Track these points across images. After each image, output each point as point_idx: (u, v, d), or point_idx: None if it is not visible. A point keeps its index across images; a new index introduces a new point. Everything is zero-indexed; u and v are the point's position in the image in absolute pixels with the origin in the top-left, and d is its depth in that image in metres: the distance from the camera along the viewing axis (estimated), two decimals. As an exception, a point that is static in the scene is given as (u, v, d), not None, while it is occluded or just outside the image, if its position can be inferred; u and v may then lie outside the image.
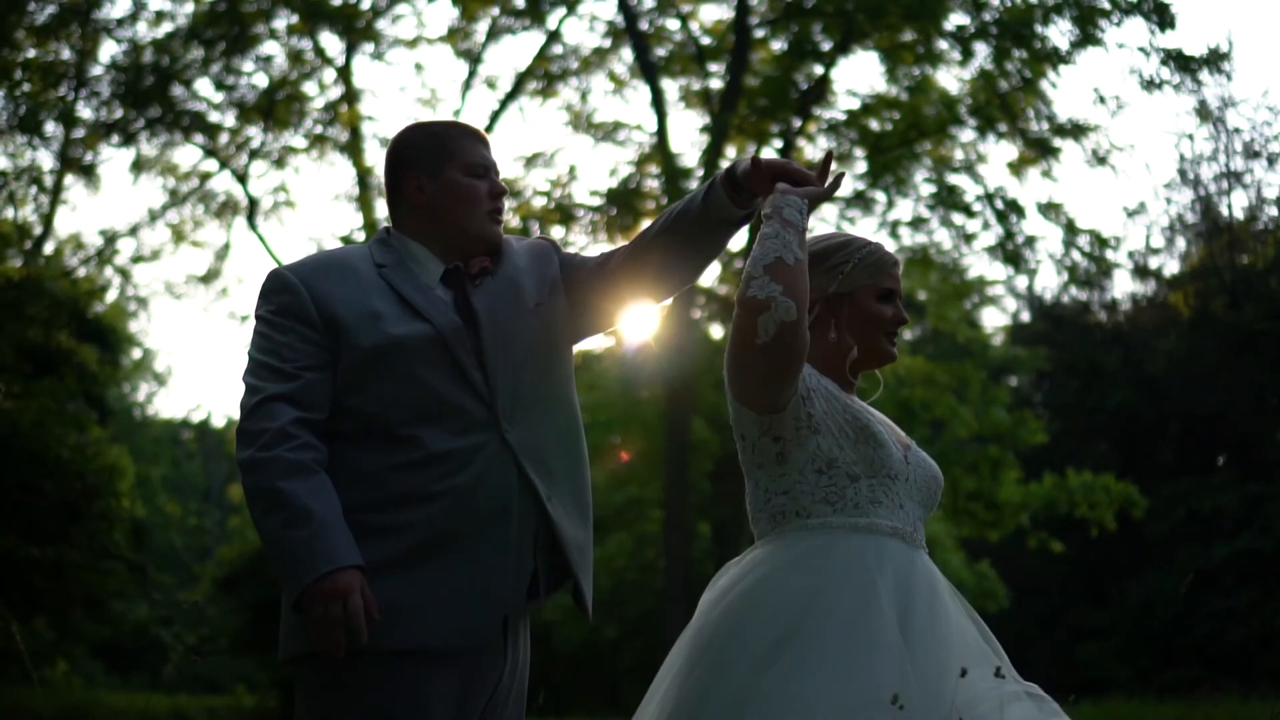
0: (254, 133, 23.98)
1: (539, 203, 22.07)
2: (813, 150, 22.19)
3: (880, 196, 22.43)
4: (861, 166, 21.89)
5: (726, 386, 3.46)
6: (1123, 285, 38.51)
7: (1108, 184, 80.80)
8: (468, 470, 3.51)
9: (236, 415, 3.55)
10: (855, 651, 3.11)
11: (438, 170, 3.74)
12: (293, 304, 3.58)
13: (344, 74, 23.63)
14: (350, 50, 23.67)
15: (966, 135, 21.68)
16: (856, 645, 3.12)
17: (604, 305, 3.88)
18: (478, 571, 3.49)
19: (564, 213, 21.70)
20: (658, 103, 21.68)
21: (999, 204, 21.93)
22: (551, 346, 3.78)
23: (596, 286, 3.85)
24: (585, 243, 22.00)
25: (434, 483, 3.48)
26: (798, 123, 21.30)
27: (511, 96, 23.46)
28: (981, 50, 20.42)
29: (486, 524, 3.51)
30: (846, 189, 22.22)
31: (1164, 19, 19.80)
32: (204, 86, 23.73)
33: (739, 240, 22.31)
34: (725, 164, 3.79)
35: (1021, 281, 34.16)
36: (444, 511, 3.47)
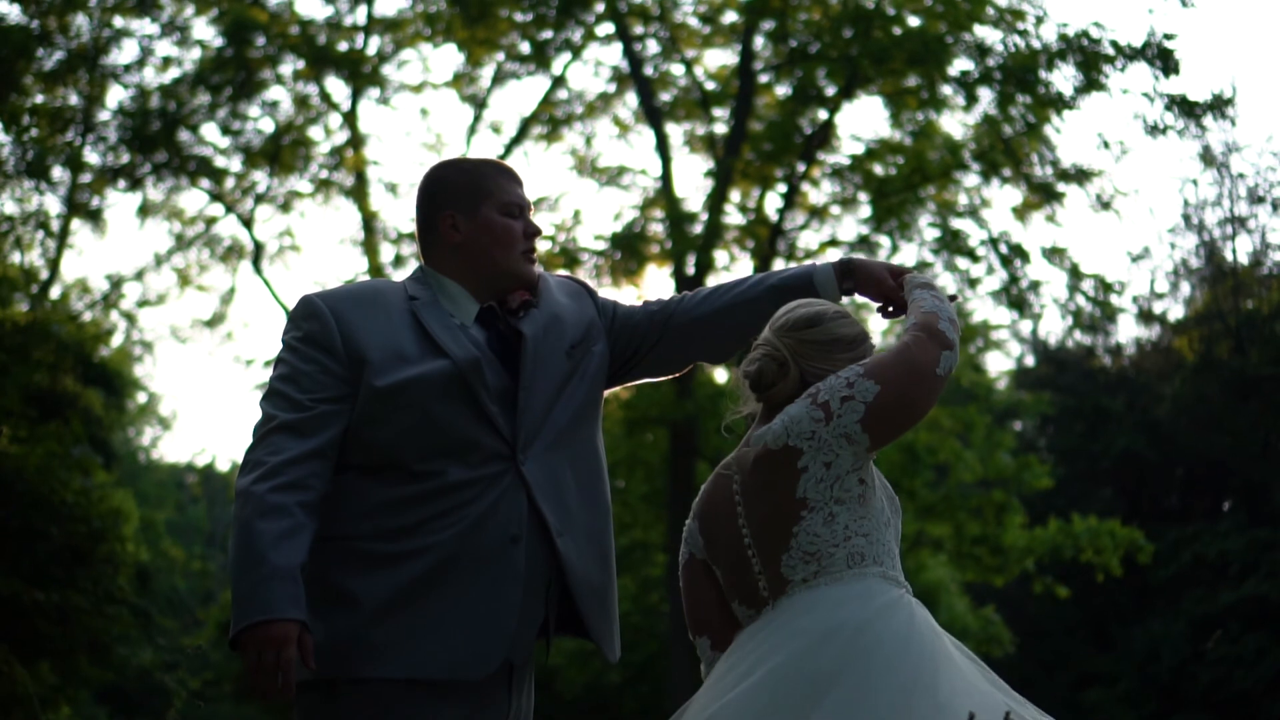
0: (260, 177, 24.04)
1: (544, 246, 22.10)
2: (817, 195, 22.23)
3: (884, 241, 22.45)
4: (866, 211, 21.94)
5: (851, 412, 3.43)
6: (1127, 330, 38.58)
7: (1112, 229, 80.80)
8: (480, 500, 3.53)
9: (241, 458, 3.56)
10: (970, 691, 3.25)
11: (474, 209, 3.76)
12: (319, 333, 3.58)
13: (350, 119, 23.70)
14: (356, 95, 23.76)
15: (971, 180, 21.71)
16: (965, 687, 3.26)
17: (668, 356, 3.92)
18: (483, 603, 3.50)
19: (568, 256, 21.72)
20: (662, 147, 21.73)
21: (1003, 249, 21.94)
22: (578, 388, 3.80)
23: (657, 338, 3.90)
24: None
25: (445, 512, 3.50)
26: (802, 167, 21.34)
27: (516, 141, 23.54)
28: (985, 95, 20.47)
29: (495, 554, 3.52)
30: (850, 233, 22.28)
31: (1168, 65, 19.85)
32: (210, 132, 23.83)
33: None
34: (835, 257, 3.89)
35: (1026, 326, 34.12)
36: (453, 539, 3.49)
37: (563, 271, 21.36)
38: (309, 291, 3.72)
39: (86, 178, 23.54)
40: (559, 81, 23.05)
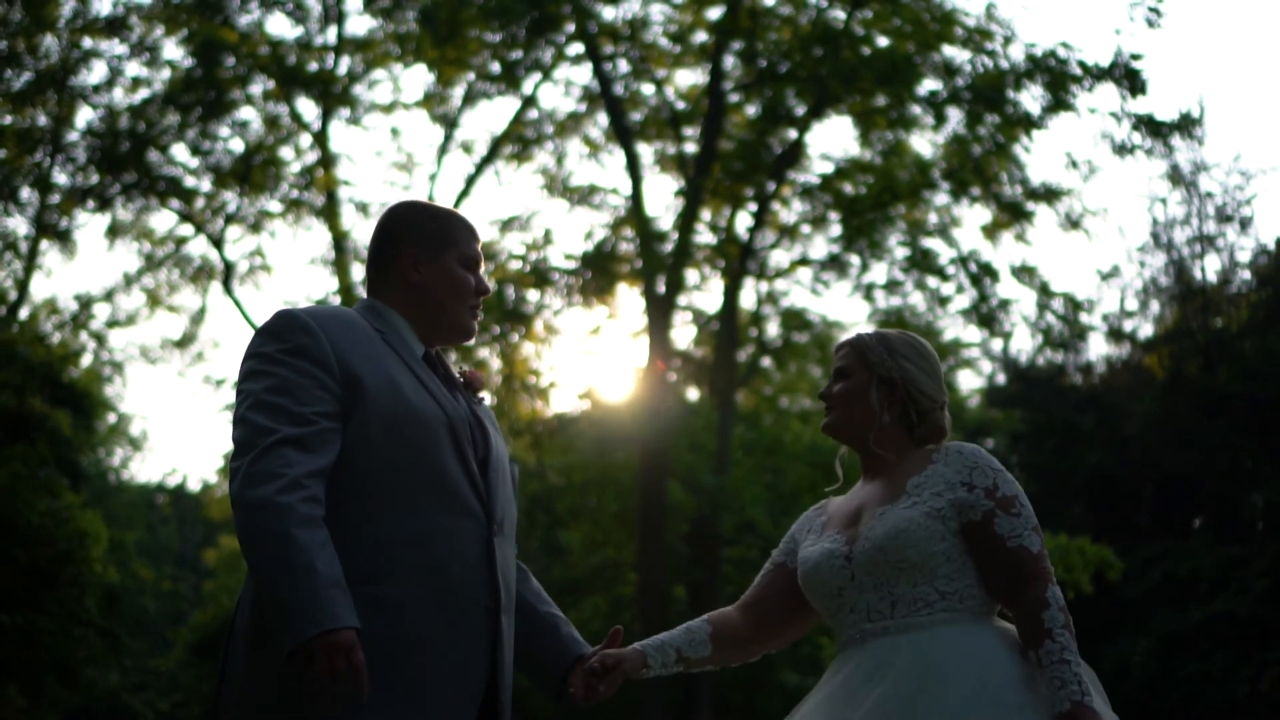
0: (230, 198, 24.02)
1: (515, 266, 22.11)
2: (787, 214, 22.28)
3: (855, 260, 22.53)
4: (836, 230, 22.01)
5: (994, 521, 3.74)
6: (1097, 348, 38.58)
7: (1081, 248, 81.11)
8: (463, 558, 3.53)
9: (223, 465, 3.52)
10: None
11: (438, 255, 3.79)
12: (311, 347, 3.52)
13: (320, 139, 23.68)
14: (326, 115, 23.74)
15: (940, 199, 21.81)
16: None
17: None
18: (455, 671, 3.50)
19: (539, 276, 21.74)
20: (633, 167, 21.74)
21: (973, 267, 22.03)
22: (515, 495, 3.89)
23: None
24: (560, 306, 22.03)
25: (432, 561, 3.48)
26: (772, 186, 21.38)
27: (487, 160, 23.55)
28: (954, 115, 20.56)
29: (470, 622, 3.53)
30: (820, 252, 22.35)
31: (1135, 85, 19.95)
32: (180, 152, 23.76)
33: (714, 301, 22.37)
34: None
35: (996, 344, 34.23)
36: (436, 596, 3.46)
37: (527, 291, 21.37)
38: (284, 308, 3.68)
39: (55, 198, 23.50)
40: (529, 101, 23.08)
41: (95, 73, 24.94)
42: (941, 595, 3.70)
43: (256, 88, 23.19)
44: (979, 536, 3.74)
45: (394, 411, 3.51)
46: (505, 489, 3.75)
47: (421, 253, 3.77)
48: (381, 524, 3.47)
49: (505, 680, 3.67)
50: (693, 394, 25.14)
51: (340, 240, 23.85)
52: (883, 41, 20.34)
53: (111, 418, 41.45)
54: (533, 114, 23.22)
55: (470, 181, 23.55)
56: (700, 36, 21.60)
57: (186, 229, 24.68)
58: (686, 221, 21.17)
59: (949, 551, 3.73)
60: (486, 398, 3.91)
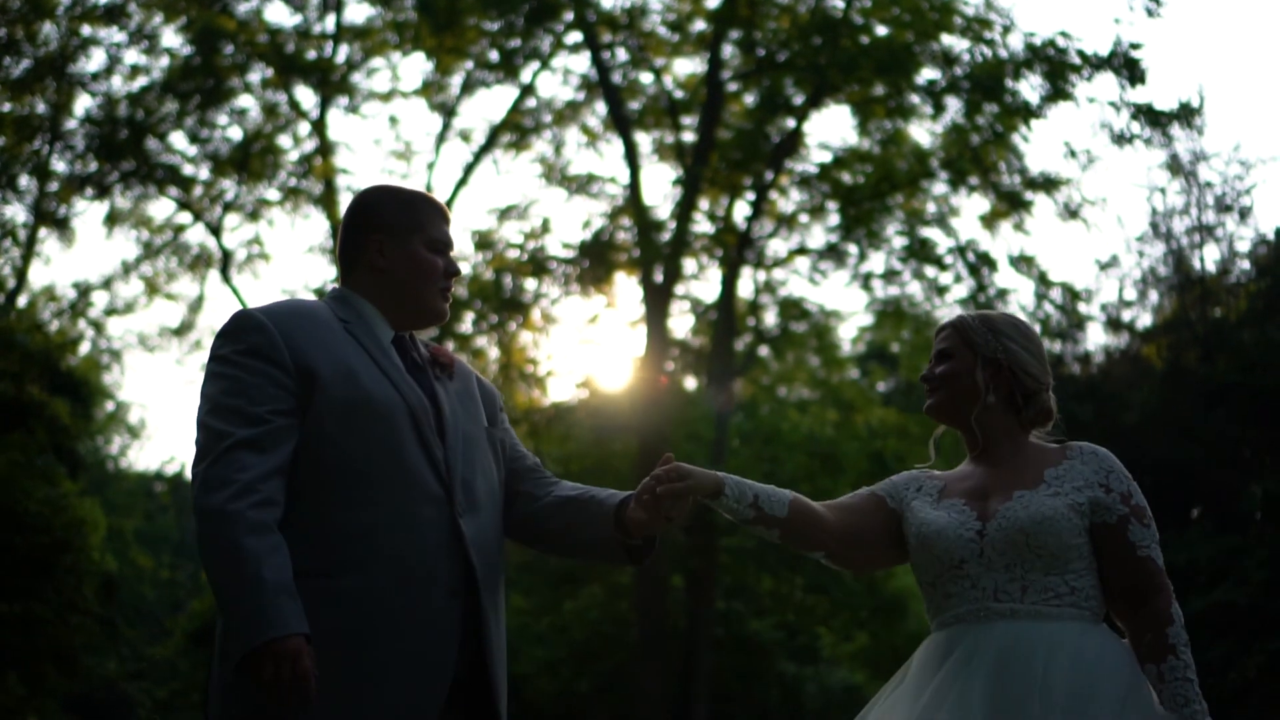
0: (228, 186, 23.97)
1: (512, 254, 22.10)
2: (785, 203, 22.25)
3: (853, 249, 22.52)
4: (834, 219, 21.99)
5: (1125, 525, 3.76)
6: (1095, 338, 38.63)
7: (1080, 237, 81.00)
8: (423, 544, 3.52)
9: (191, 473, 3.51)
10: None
11: (404, 239, 3.79)
12: (264, 345, 3.53)
13: (318, 127, 23.63)
14: (325, 104, 23.69)
15: (938, 188, 21.81)
16: None
17: (507, 517, 3.95)
18: (420, 655, 3.49)
19: (537, 265, 21.72)
20: (631, 156, 21.72)
21: (971, 257, 22.02)
22: (495, 465, 3.85)
23: (513, 488, 3.96)
24: (558, 294, 22.01)
25: (390, 550, 3.48)
26: (770, 175, 21.37)
27: (485, 149, 23.50)
28: (953, 104, 20.55)
29: (434, 606, 3.52)
30: (818, 241, 22.34)
31: (1134, 74, 19.93)
32: (178, 140, 23.72)
33: (712, 290, 22.34)
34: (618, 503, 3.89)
35: (995, 334, 34.14)
36: (396, 584, 3.46)
37: (525, 280, 21.35)
38: (240, 309, 3.70)
39: (54, 186, 23.47)
40: (528, 90, 23.04)
41: (94, 60, 24.91)
42: (1070, 590, 3.70)
43: (255, 76, 23.16)
44: (1110, 540, 3.76)
45: (350, 402, 3.52)
46: (476, 463, 3.73)
47: (387, 238, 3.78)
48: (340, 516, 3.48)
49: (494, 657, 3.65)
50: (690, 383, 25.12)
51: (338, 228, 23.78)
52: (882, 30, 20.33)
53: (110, 406, 41.49)
54: (531, 103, 23.21)
55: (468, 170, 23.52)
56: (699, 25, 21.59)
57: (185, 217, 24.68)
58: (684, 210, 21.16)
59: (1081, 548, 3.74)
60: (450, 374, 3.85)
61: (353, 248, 3.84)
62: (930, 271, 22.67)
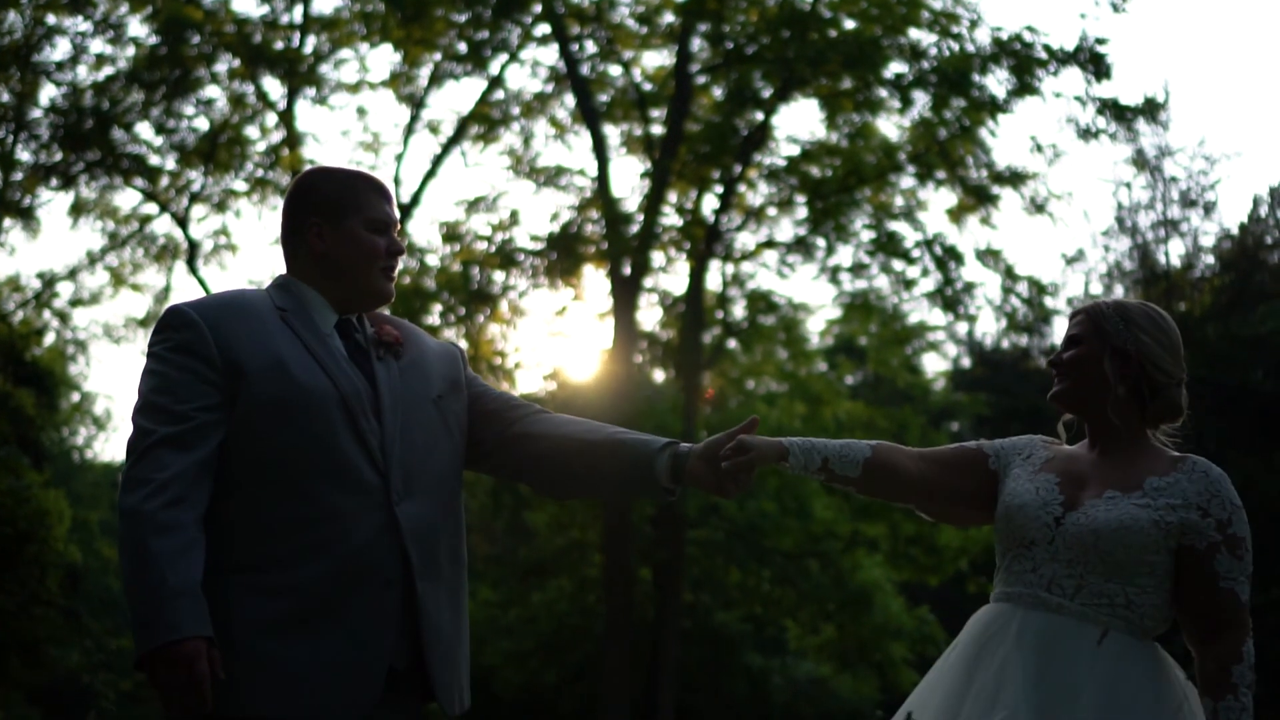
0: (195, 176, 23.85)
1: (480, 247, 22.07)
2: (753, 196, 22.28)
3: (821, 243, 22.54)
4: (802, 212, 22.01)
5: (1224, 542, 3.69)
6: (1062, 331, 38.75)
7: (1046, 232, 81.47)
8: (354, 536, 3.49)
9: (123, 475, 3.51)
10: None
11: (340, 221, 3.73)
12: (193, 341, 3.52)
13: (286, 118, 23.54)
14: (292, 94, 23.59)
15: (906, 182, 21.84)
16: None
17: (502, 460, 3.93)
18: (354, 646, 3.47)
19: (505, 257, 21.70)
20: (599, 148, 21.71)
21: (938, 250, 22.07)
22: (448, 439, 3.78)
23: (499, 432, 3.90)
24: (526, 287, 22.00)
25: (319, 543, 3.46)
26: (738, 168, 21.39)
27: (454, 141, 23.44)
28: (920, 98, 20.59)
29: (367, 596, 3.49)
30: (786, 234, 22.36)
31: (1100, 69, 20.02)
32: (144, 130, 23.60)
33: (680, 283, 22.37)
34: (678, 450, 3.82)
35: (962, 327, 34.35)
36: (326, 576, 3.44)
37: (493, 273, 21.35)
38: (172, 304, 3.66)
39: (18, 175, 23.33)
40: (496, 82, 22.99)
41: (59, 49, 24.75)
42: (1127, 601, 3.63)
43: (222, 66, 23.05)
44: (1194, 566, 3.66)
45: (279, 395, 3.50)
46: (419, 444, 3.68)
47: (324, 221, 3.73)
48: (271, 510, 3.47)
49: (436, 647, 3.63)
50: (659, 375, 25.13)
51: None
52: (850, 24, 20.35)
53: (75, 396, 41.29)
54: (499, 94, 23.14)
55: (437, 162, 23.47)
56: (667, 18, 21.56)
57: (151, 207, 24.56)
58: (653, 203, 21.17)
59: (1155, 565, 3.65)
60: (397, 352, 3.79)
61: (292, 232, 3.78)
62: (898, 265, 22.72)
